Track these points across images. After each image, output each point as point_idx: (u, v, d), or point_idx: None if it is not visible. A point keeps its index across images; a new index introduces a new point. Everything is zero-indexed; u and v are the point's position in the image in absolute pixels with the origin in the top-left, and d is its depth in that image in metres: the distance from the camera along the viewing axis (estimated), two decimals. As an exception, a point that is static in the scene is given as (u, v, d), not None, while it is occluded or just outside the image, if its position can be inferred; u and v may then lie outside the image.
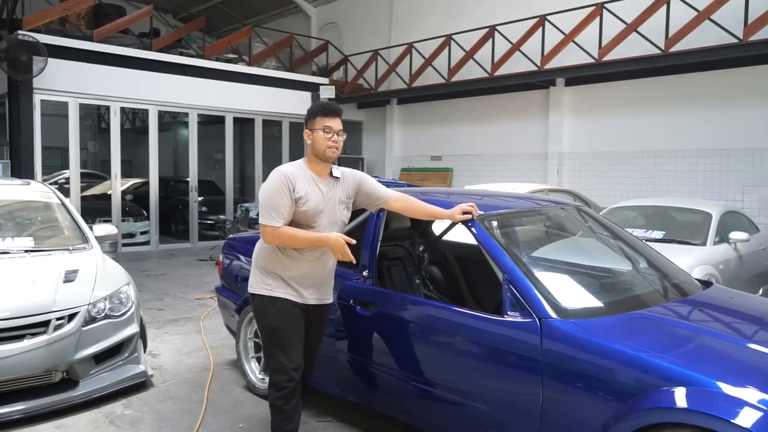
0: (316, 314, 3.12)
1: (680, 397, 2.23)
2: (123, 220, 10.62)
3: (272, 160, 12.01)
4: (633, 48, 9.06)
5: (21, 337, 3.64)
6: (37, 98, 9.54)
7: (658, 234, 6.06)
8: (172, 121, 15.93)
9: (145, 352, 4.47)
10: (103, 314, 3.97)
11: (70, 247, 4.56)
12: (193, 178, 11.78)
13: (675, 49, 8.62)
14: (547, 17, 10.14)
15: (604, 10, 9.42)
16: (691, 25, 8.42)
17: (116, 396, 4.06)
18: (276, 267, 3.00)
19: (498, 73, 10.93)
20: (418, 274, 3.94)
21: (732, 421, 2.09)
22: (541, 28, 10.23)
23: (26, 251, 4.38)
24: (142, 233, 11.10)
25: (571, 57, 9.93)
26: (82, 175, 11.10)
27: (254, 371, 4.20)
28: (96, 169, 15.66)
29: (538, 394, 2.61)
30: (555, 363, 2.56)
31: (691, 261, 5.25)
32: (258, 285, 3.04)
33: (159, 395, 4.19)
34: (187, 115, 11.88)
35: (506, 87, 11.25)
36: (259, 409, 3.90)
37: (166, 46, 11.38)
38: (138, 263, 9.69)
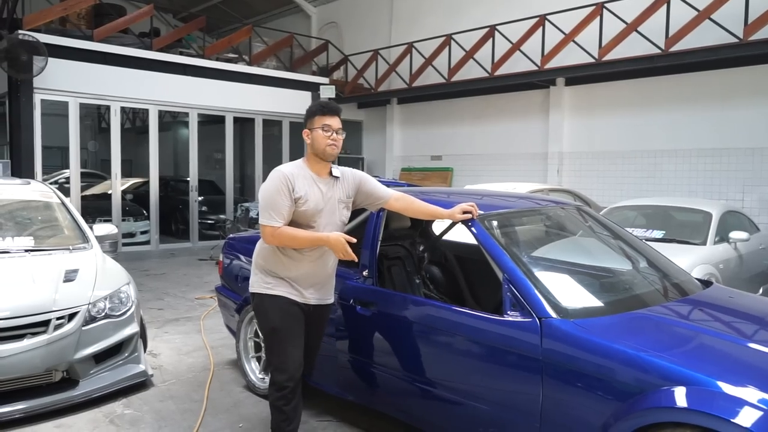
0: (316, 314, 3.11)
1: (680, 396, 2.23)
2: (123, 220, 10.62)
3: (272, 160, 12.01)
4: (633, 48, 9.06)
5: (21, 337, 3.64)
6: (38, 98, 9.53)
7: (658, 233, 6.06)
8: (172, 120, 15.92)
9: (145, 351, 4.47)
10: (103, 314, 3.98)
11: (71, 247, 4.56)
12: (193, 178, 11.77)
13: (675, 48, 8.62)
14: (547, 17, 10.13)
15: (604, 9, 9.41)
16: (691, 25, 8.42)
17: (116, 395, 4.07)
18: (276, 267, 2.99)
19: (498, 72, 10.93)
20: (418, 273, 3.94)
21: (732, 420, 2.09)
22: (541, 28, 10.22)
23: (26, 251, 4.38)
24: (143, 233, 11.10)
25: (571, 57, 9.93)
26: (83, 174, 11.09)
27: (254, 371, 4.20)
28: (96, 169, 15.66)
29: (538, 393, 2.61)
30: (555, 362, 2.56)
31: (691, 260, 5.25)
32: (258, 284, 3.04)
33: (159, 395, 4.20)
34: (187, 114, 11.87)
35: (506, 87, 11.24)
36: (259, 409, 3.90)
37: (167, 45, 11.38)
38: (138, 263, 9.69)
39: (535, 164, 11.21)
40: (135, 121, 17.66)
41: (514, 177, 10.95)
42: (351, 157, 13.93)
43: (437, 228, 4.11)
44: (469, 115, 12.43)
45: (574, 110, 10.77)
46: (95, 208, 10.53)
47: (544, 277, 2.94)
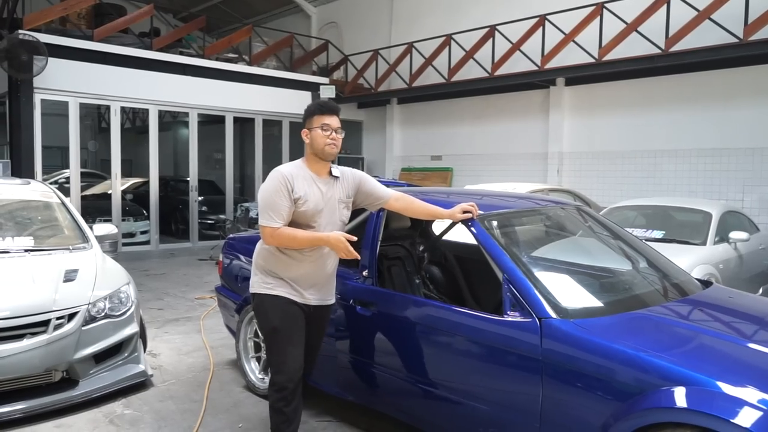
0: (317, 315, 3.10)
1: (680, 396, 2.23)
2: (123, 220, 10.62)
3: (272, 160, 12.01)
4: (633, 48, 9.06)
5: (21, 337, 3.64)
6: (38, 98, 9.53)
7: (658, 234, 6.06)
8: (172, 120, 15.92)
9: (145, 351, 4.47)
10: (103, 314, 3.97)
11: (70, 247, 4.56)
12: (193, 178, 11.77)
13: (675, 48, 8.62)
14: (548, 17, 10.13)
15: (604, 9, 9.41)
16: (691, 25, 8.42)
17: (116, 395, 4.06)
18: (276, 267, 2.98)
19: (498, 72, 10.93)
20: (418, 273, 3.94)
21: (732, 420, 2.09)
22: (541, 28, 10.22)
23: (26, 251, 4.38)
24: (142, 233, 11.10)
25: (571, 57, 9.93)
26: (83, 174, 11.09)
27: (254, 371, 4.20)
28: (96, 169, 15.66)
29: (538, 393, 2.61)
30: (555, 363, 2.56)
31: (691, 261, 5.25)
32: (258, 284, 3.02)
33: (159, 395, 4.20)
34: (187, 114, 11.88)
35: (506, 87, 11.24)
36: (258, 409, 3.90)
37: (167, 45, 11.38)
38: (138, 263, 9.69)
39: (535, 164, 11.21)
40: (135, 121, 17.66)
41: (514, 177, 10.95)
42: (351, 157, 13.92)
43: (437, 228, 4.11)
44: (469, 115, 12.43)
45: (574, 110, 10.77)
46: (95, 208, 10.53)
47: (544, 277, 2.95)
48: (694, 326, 2.87)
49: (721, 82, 8.88)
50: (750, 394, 2.16)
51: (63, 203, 5.10)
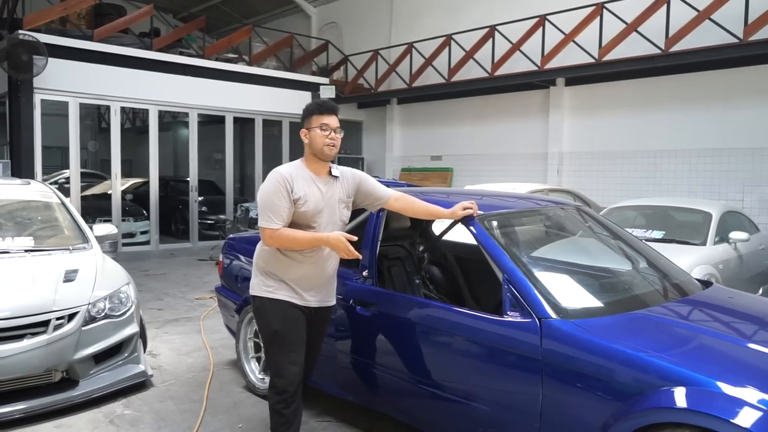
0: (318, 317, 3.08)
1: (680, 396, 2.23)
2: (123, 220, 10.62)
3: (272, 160, 12.02)
4: (633, 48, 9.06)
5: (21, 337, 3.64)
6: (38, 98, 9.54)
7: (658, 234, 6.06)
8: (172, 120, 15.92)
9: (144, 351, 4.47)
10: (103, 314, 3.97)
11: (70, 247, 4.56)
12: (193, 178, 11.78)
13: (675, 48, 8.62)
14: (547, 17, 10.13)
15: (604, 10, 9.41)
16: (691, 25, 8.42)
17: (116, 396, 4.06)
18: (277, 269, 2.96)
19: (498, 73, 10.93)
20: (418, 274, 3.94)
21: (732, 420, 2.09)
22: (541, 28, 10.22)
23: (26, 251, 4.38)
24: (142, 233, 11.10)
25: (571, 57, 9.93)
26: (83, 174, 11.10)
27: (254, 371, 4.20)
28: (96, 169, 15.66)
29: (537, 393, 2.61)
30: (555, 363, 2.56)
31: (690, 261, 5.25)
32: (259, 287, 3.00)
33: (159, 395, 4.20)
34: (187, 114, 11.88)
35: (506, 87, 11.24)
36: (258, 409, 3.90)
37: (167, 45, 11.38)
38: (138, 263, 9.69)
39: (535, 164, 11.21)
40: (135, 121, 17.66)
41: (514, 177, 10.95)
42: (351, 158, 13.93)
43: (437, 228, 4.11)
44: (469, 116, 12.43)
45: (574, 110, 10.77)
46: (95, 208, 10.54)
47: (544, 277, 2.94)
48: (694, 326, 2.87)
49: (721, 82, 8.88)
50: (750, 394, 2.16)
51: (63, 203, 5.10)
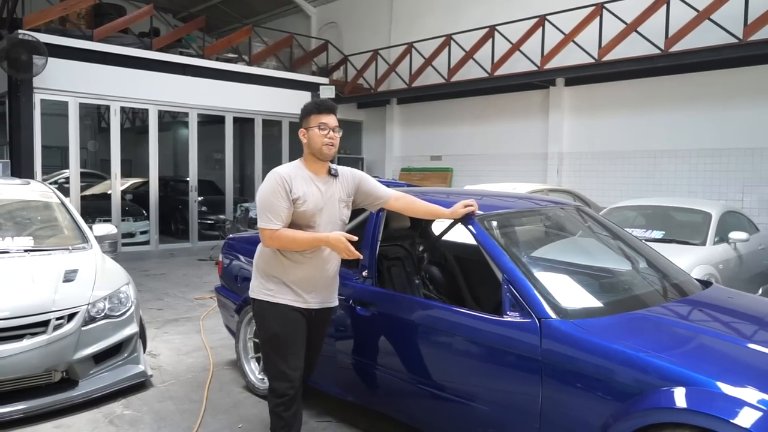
0: (318, 318, 3.05)
1: (680, 397, 2.23)
2: (123, 220, 10.61)
3: (272, 160, 12.01)
4: (633, 48, 9.06)
5: (20, 337, 3.64)
6: (37, 98, 9.53)
7: (658, 234, 6.06)
8: (172, 120, 15.92)
9: (144, 352, 4.47)
10: (102, 314, 3.97)
11: (70, 247, 4.56)
12: (192, 178, 11.77)
13: (675, 48, 8.62)
14: (547, 17, 10.13)
15: (603, 10, 9.41)
16: (691, 25, 8.42)
17: (116, 396, 4.06)
18: (277, 270, 2.93)
19: (498, 73, 10.93)
20: (417, 274, 3.94)
21: (731, 421, 2.09)
22: (541, 28, 10.22)
23: (26, 251, 4.38)
24: (142, 233, 11.10)
25: (571, 57, 9.93)
26: (82, 174, 11.09)
27: (254, 371, 4.20)
28: (96, 169, 15.65)
29: (537, 394, 2.61)
30: (554, 363, 2.56)
31: (690, 261, 5.25)
32: (259, 289, 2.97)
33: (158, 395, 4.19)
34: (186, 114, 11.88)
35: (506, 87, 11.24)
36: (258, 409, 3.90)
37: (166, 45, 11.38)
38: (138, 263, 9.69)
39: (535, 164, 11.21)
40: (135, 121, 17.66)
41: (513, 177, 10.95)
42: (350, 158, 13.92)
43: (437, 228, 4.11)
44: (469, 116, 12.43)
45: (574, 110, 10.77)
46: (95, 208, 10.53)
47: (544, 277, 2.94)
48: (693, 326, 2.87)
49: (720, 82, 8.88)
50: (749, 394, 2.16)
51: (63, 203, 5.10)
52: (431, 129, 13.23)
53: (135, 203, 11.71)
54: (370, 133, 14.85)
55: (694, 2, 8.40)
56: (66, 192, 9.62)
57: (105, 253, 4.72)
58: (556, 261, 3.45)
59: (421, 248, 4.06)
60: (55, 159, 13.77)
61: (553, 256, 3.48)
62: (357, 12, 14.84)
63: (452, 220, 3.26)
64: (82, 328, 3.83)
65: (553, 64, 10.17)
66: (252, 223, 9.04)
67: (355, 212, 3.32)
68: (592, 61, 9.51)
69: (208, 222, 11.96)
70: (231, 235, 5.09)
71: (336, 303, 3.16)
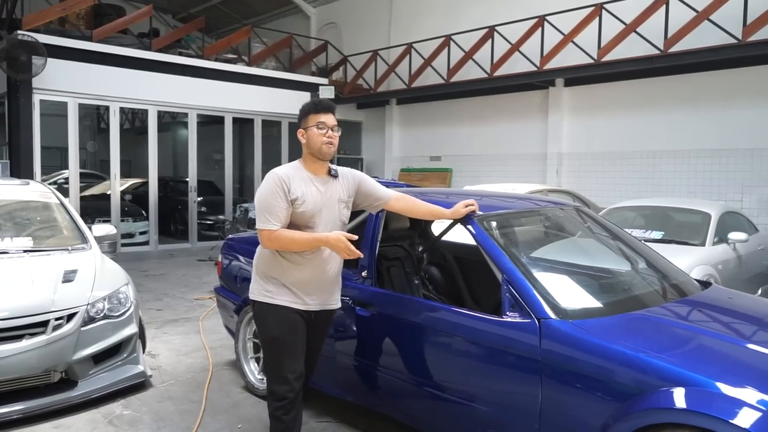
0: (318, 321, 3.02)
1: (679, 397, 2.23)
2: (122, 221, 10.61)
3: (271, 161, 12.01)
4: (632, 48, 9.07)
5: (20, 337, 3.63)
6: (37, 98, 9.54)
7: (657, 234, 6.06)
8: (171, 121, 15.93)
9: (144, 352, 4.47)
10: (102, 314, 3.97)
11: (69, 248, 4.56)
12: (192, 179, 11.77)
13: (674, 49, 8.63)
14: (547, 17, 10.14)
15: (603, 10, 9.42)
16: (690, 26, 8.43)
17: (115, 396, 4.06)
18: (276, 272, 2.90)
19: (497, 73, 10.94)
20: (417, 274, 3.94)
21: (731, 421, 2.09)
22: (540, 29, 10.23)
23: (25, 251, 4.38)
24: (142, 233, 11.10)
25: (570, 57, 9.94)
26: (82, 175, 11.09)
27: (253, 372, 4.19)
28: (95, 169, 15.66)
29: (537, 394, 2.61)
30: (554, 363, 2.56)
31: (690, 261, 5.25)
32: (258, 291, 2.94)
33: (158, 396, 4.19)
34: (186, 115, 11.88)
35: (505, 87, 11.25)
36: (258, 410, 3.90)
37: (166, 46, 11.38)
38: (137, 263, 9.69)
39: (535, 165, 11.22)
40: (134, 121, 17.66)
41: (513, 178, 10.95)
42: (350, 158, 13.92)
43: (436, 229, 4.11)
44: (469, 116, 12.43)
45: (574, 111, 10.78)
46: (94, 209, 10.54)
47: (543, 277, 2.94)
48: (693, 327, 2.87)
49: (720, 82, 8.89)
50: (749, 394, 2.16)
51: (62, 204, 5.10)
52: (431, 129, 13.23)
53: (134, 204, 11.71)
54: (370, 134, 14.85)
55: (693, 3, 8.41)
56: (65, 192, 9.62)
57: (104, 254, 4.72)
58: (555, 261, 3.45)
59: (420, 248, 4.05)
60: (55, 159, 13.77)
61: (552, 257, 3.48)
62: (356, 12, 14.84)
63: (452, 220, 3.25)
64: (82, 329, 3.83)
65: (552, 64, 10.17)
66: (251, 223, 9.03)
67: (355, 212, 3.32)
68: (592, 61, 9.52)
69: (208, 222, 11.97)
70: (230, 236, 5.09)
71: (338, 305, 3.12)
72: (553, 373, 2.56)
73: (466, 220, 3.12)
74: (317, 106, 2.92)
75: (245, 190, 14.18)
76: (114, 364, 4.10)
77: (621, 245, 3.70)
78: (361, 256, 2.87)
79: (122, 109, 11.34)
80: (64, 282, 3.97)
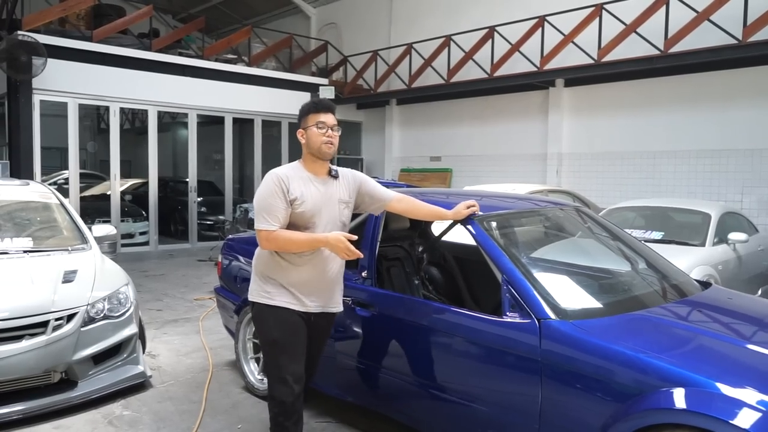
0: (319, 323, 2.98)
1: (679, 397, 2.23)
2: (122, 221, 10.61)
3: (271, 161, 12.01)
4: (632, 49, 9.07)
5: (20, 338, 3.63)
6: (37, 98, 9.54)
7: (657, 235, 6.07)
8: (171, 121, 15.93)
9: (144, 352, 4.47)
10: (102, 315, 3.97)
11: (69, 248, 4.56)
12: (192, 179, 11.77)
13: (674, 49, 8.63)
14: (547, 18, 10.14)
15: (603, 10, 9.42)
16: (690, 26, 8.43)
17: (115, 396, 4.06)
18: (275, 273, 2.87)
19: (497, 73, 10.94)
20: (417, 274, 3.94)
21: (731, 422, 2.09)
22: (540, 29, 10.23)
23: (25, 252, 4.38)
24: (141, 234, 11.10)
25: (570, 58, 9.94)
26: (82, 175, 11.09)
27: (253, 372, 4.19)
28: (95, 170, 15.65)
29: (537, 394, 2.61)
30: (554, 364, 2.56)
31: (690, 262, 5.25)
32: (257, 292, 2.91)
33: (158, 396, 4.19)
34: (186, 115, 11.88)
35: (506, 87, 11.25)
36: (258, 410, 3.90)
37: (166, 46, 11.38)
38: (137, 264, 9.69)
39: (535, 165, 11.22)
40: (134, 121, 17.66)
41: (513, 178, 10.95)
42: (350, 158, 13.92)
43: (436, 229, 4.11)
44: (469, 116, 12.43)
45: (574, 111, 10.78)
46: (94, 209, 10.53)
47: (543, 278, 2.94)
48: (693, 327, 2.87)
49: (720, 83, 8.89)
50: (749, 395, 2.16)
51: (62, 204, 5.10)
52: (431, 130, 13.23)
53: (134, 204, 11.71)
54: (370, 134, 14.85)
55: (693, 3, 8.41)
56: (65, 193, 9.62)
57: (104, 254, 4.72)
58: (555, 262, 3.46)
59: (420, 249, 4.05)
60: (55, 160, 13.76)
61: (552, 257, 3.49)
62: (357, 13, 14.84)
63: (452, 221, 3.25)
64: (82, 329, 3.83)
65: (552, 64, 10.17)
66: (251, 223, 9.01)
67: (354, 213, 3.31)
68: (592, 61, 9.52)
69: (208, 223, 11.96)
70: (230, 236, 5.09)
71: (340, 308, 3.07)
72: (553, 374, 2.56)
73: (466, 220, 3.12)
74: (317, 106, 2.91)
75: (245, 191, 14.17)
76: (114, 365, 4.10)
77: (621, 245, 3.71)
78: (361, 256, 2.85)
79: (122, 110, 11.34)
80: (64, 282, 3.98)
